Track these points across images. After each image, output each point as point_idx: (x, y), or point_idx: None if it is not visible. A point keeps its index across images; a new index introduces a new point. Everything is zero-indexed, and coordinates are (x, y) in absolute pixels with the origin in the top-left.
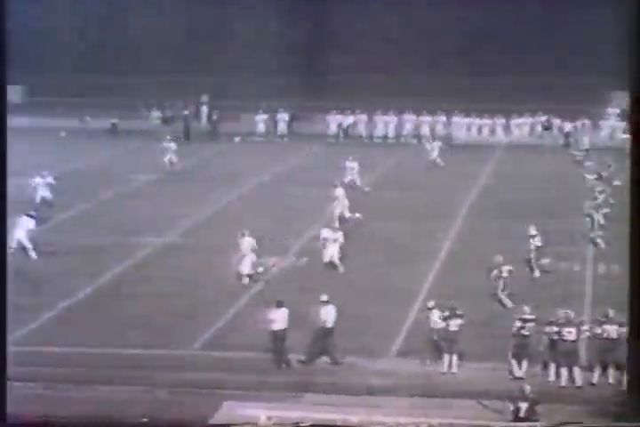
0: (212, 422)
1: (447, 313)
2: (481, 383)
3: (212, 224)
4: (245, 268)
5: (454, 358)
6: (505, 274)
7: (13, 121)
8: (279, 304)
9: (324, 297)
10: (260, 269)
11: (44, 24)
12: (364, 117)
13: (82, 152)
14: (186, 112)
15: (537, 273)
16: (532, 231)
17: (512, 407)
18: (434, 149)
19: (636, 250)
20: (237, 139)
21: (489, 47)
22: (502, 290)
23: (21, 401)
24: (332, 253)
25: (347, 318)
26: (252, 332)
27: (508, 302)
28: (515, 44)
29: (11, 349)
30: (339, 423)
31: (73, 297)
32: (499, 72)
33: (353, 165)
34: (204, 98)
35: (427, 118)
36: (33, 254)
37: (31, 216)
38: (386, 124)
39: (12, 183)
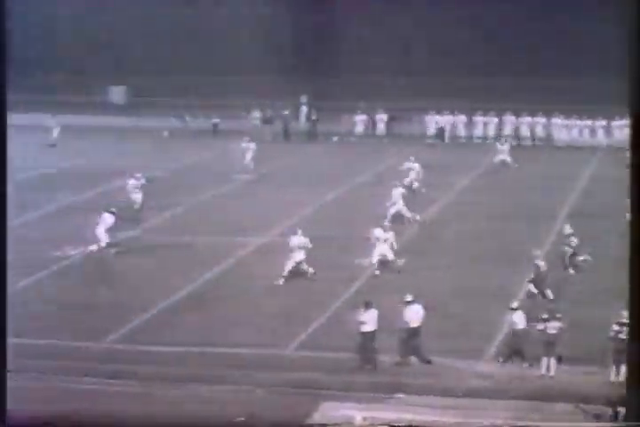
0: (309, 422)
1: (546, 316)
2: (579, 387)
3: (311, 224)
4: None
5: (552, 361)
6: (542, 269)
7: (116, 121)
8: (368, 305)
9: (409, 297)
10: (371, 263)
11: (133, 26)
12: (462, 118)
13: (184, 152)
14: (285, 112)
15: (571, 271)
16: (568, 230)
17: (611, 412)
18: (504, 151)
19: (637, 250)
20: (336, 139)
21: (590, 47)
22: (541, 283)
23: (120, 398)
24: (381, 252)
25: (443, 319)
26: (349, 332)
27: (550, 294)
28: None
29: (115, 347)
30: (434, 425)
31: (173, 296)
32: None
33: (413, 166)
34: (304, 98)
35: (526, 120)
36: (111, 251)
37: (112, 213)
38: (485, 125)
39: (116, 184)
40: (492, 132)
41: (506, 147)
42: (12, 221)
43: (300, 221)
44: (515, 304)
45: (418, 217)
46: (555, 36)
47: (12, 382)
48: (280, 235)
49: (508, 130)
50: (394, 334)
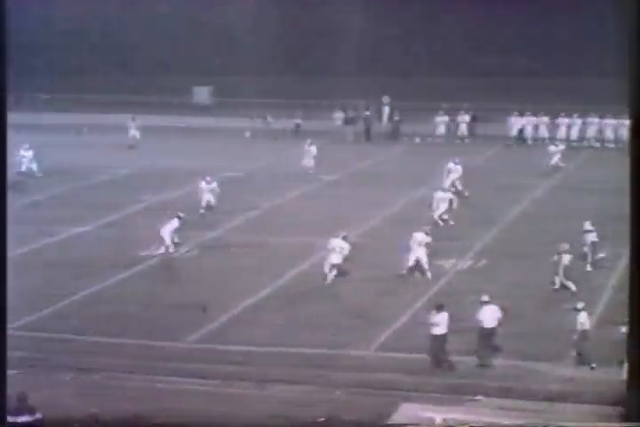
0: (388, 422)
1: (627, 319)
2: None
3: (392, 224)
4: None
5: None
6: (566, 262)
7: (201, 121)
8: (439, 308)
9: (485, 297)
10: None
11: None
12: (545, 120)
13: (266, 152)
14: (367, 113)
15: (589, 267)
16: (588, 227)
17: None
18: (556, 153)
19: (637, 250)
20: (417, 140)
21: None
22: (564, 276)
23: (201, 397)
24: (417, 256)
25: (518, 320)
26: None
27: (572, 286)
28: None
29: (192, 346)
30: None
31: (255, 296)
32: None
33: (457, 168)
34: (386, 99)
35: (610, 121)
36: (174, 252)
37: (178, 217)
38: (568, 126)
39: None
40: (575, 134)
41: (558, 149)
42: (97, 221)
43: (382, 221)
44: (579, 305)
45: (451, 222)
46: None
47: (102, 381)
48: (361, 236)
49: (592, 132)
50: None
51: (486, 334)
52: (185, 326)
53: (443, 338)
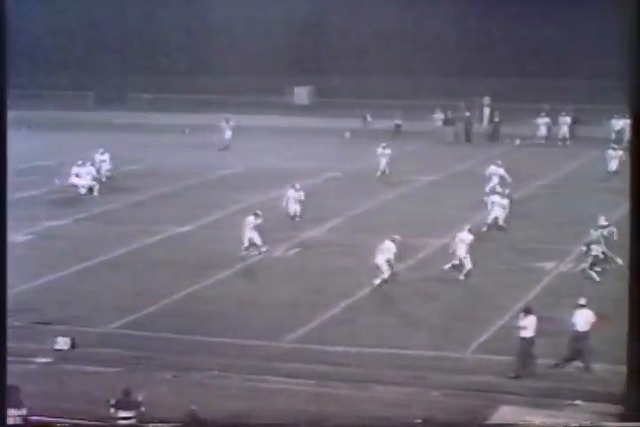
0: (486, 424)
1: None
2: None
3: (492, 226)
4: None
5: None
6: (594, 253)
7: (301, 121)
8: (527, 311)
9: (582, 301)
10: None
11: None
12: None
13: (366, 153)
14: (467, 114)
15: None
16: (603, 222)
17: None
18: (615, 157)
19: (636, 249)
20: (518, 141)
21: None
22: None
23: (298, 397)
24: (458, 254)
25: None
26: None
27: (595, 276)
28: None
29: (290, 346)
30: None
31: (353, 296)
32: None
33: (498, 171)
34: (486, 100)
35: None
36: (258, 251)
37: (255, 214)
38: None
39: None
40: None
41: (617, 154)
42: (198, 221)
43: (480, 223)
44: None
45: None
46: None
47: (201, 380)
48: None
49: None
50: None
51: (578, 338)
52: (283, 326)
53: (530, 341)
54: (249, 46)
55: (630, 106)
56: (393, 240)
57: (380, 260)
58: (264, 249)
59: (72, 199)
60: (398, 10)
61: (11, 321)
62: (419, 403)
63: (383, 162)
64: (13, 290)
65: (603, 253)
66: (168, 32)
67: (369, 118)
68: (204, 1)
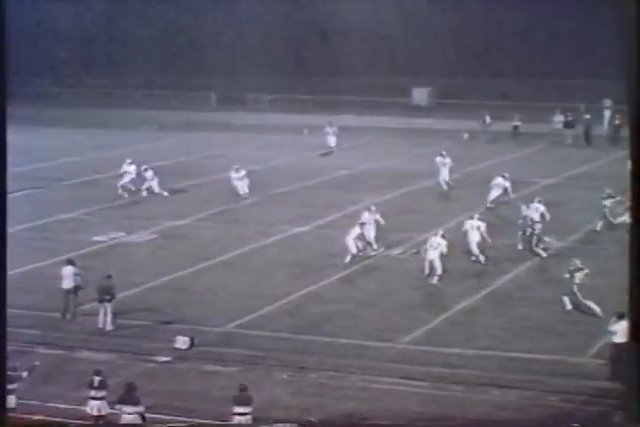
0: None
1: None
2: None
3: (611, 228)
4: None
5: None
6: (577, 281)
7: (420, 122)
8: (620, 317)
9: None
10: None
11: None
12: None
13: (484, 154)
14: (587, 116)
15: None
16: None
17: None
18: None
19: (637, 249)
20: None
21: None
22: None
23: (411, 399)
24: (469, 240)
25: None
26: None
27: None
28: None
29: (405, 347)
30: None
31: (470, 298)
32: None
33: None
34: (607, 102)
35: None
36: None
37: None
38: None
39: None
40: None
41: None
42: (316, 221)
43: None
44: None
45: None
46: None
47: (317, 380)
48: (578, 240)
49: None
50: None
51: None
52: (399, 327)
53: (622, 347)
54: (369, 47)
55: (630, 106)
56: (442, 236)
57: (433, 255)
58: (376, 247)
59: (189, 199)
60: (525, 11)
61: (131, 320)
62: (535, 407)
63: (444, 171)
64: (135, 289)
65: None
66: (302, 34)
67: (488, 120)
68: (334, 3)
